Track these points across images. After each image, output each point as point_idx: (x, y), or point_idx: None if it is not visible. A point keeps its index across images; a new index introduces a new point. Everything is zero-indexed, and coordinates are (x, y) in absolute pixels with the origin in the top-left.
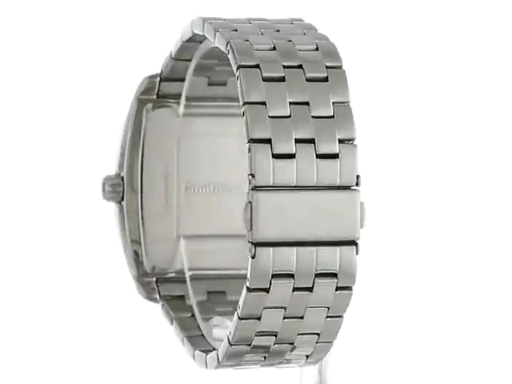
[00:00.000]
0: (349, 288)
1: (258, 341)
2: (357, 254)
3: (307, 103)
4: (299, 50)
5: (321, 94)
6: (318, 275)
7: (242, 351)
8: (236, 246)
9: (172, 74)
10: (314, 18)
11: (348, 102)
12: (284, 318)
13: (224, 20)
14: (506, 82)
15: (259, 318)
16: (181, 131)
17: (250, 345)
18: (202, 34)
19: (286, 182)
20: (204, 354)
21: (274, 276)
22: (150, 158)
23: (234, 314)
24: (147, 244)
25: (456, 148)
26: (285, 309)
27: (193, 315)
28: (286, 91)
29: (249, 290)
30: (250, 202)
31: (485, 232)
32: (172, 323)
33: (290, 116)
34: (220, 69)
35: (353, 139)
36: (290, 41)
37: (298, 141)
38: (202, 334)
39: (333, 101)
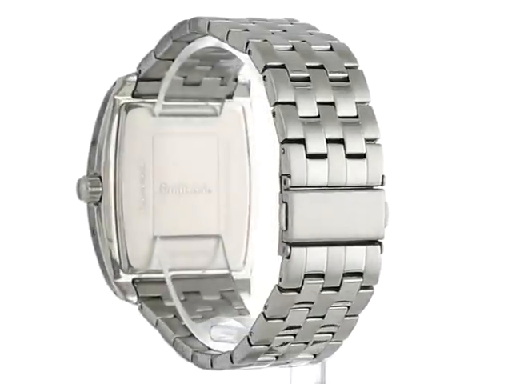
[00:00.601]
0: (371, 287)
1: (277, 341)
2: (381, 253)
3: (333, 103)
4: (316, 51)
5: (344, 94)
6: (345, 275)
7: (260, 352)
8: (208, 246)
9: (151, 74)
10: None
11: (369, 102)
12: (306, 318)
13: (228, 19)
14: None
15: (284, 319)
16: (156, 131)
17: (269, 345)
18: (205, 33)
19: (319, 182)
20: (209, 356)
21: (306, 276)
22: (127, 158)
23: (214, 314)
24: (124, 244)
25: (455, 147)
26: (309, 309)
27: (175, 316)
28: (313, 91)
29: (281, 290)
30: (286, 202)
31: (486, 233)
32: (156, 325)
33: (318, 116)
34: (200, 68)
35: (377, 139)
36: (304, 41)
37: (328, 141)
38: (192, 335)
39: (355, 101)
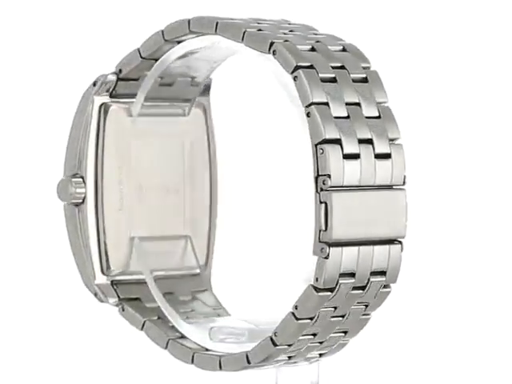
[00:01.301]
0: (389, 286)
1: (299, 341)
2: (401, 251)
3: (359, 104)
4: (333, 51)
5: (366, 94)
6: (372, 273)
7: (281, 352)
8: (179, 247)
9: (132, 74)
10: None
11: (387, 102)
12: (330, 318)
13: (233, 19)
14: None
15: (312, 319)
16: (133, 132)
17: (290, 345)
18: (210, 33)
19: (353, 182)
20: (216, 357)
21: (341, 275)
22: (107, 158)
23: (194, 315)
24: (104, 246)
25: (455, 146)
26: (335, 308)
27: (159, 317)
28: (340, 92)
29: (317, 290)
30: (325, 203)
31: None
32: (143, 327)
33: (348, 117)
34: (179, 70)
35: (398, 138)
36: (318, 41)
37: (359, 141)
38: (183, 336)
39: (376, 101)
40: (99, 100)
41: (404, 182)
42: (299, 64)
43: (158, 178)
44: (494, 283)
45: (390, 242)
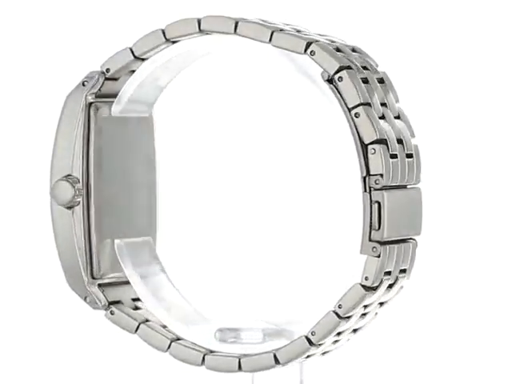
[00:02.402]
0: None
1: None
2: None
3: (385, 104)
4: (351, 52)
5: (388, 95)
6: (400, 271)
7: (314, 349)
8: (143, 246)
9: (119, 73)
10: None
11: (398, 102)
12: (360, 316)
13: (246, 19)
14: None
15: (349, 318)
16: (112, 132)
17: (320, 345)
18: (227, 32)
19: (397, 181)
20: (233, 358)
21: (385, 274)
22: (96, 160)
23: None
24: (95, 249)
25: (455, 145)
26: (365, 307)
27: (147, 320)
28: (373, 92)
29: (366, 288)
30: (378, 202)
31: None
32: (137, 330)
33: (383, 117)
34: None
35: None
36: (333, 41)
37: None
38: (179, 338)
39: (394, 102)
40: (89, 100)
41: (419, 181)
42: (342, 65)
43: (127, 178)
44: (495, 283)
45: (411, 239)
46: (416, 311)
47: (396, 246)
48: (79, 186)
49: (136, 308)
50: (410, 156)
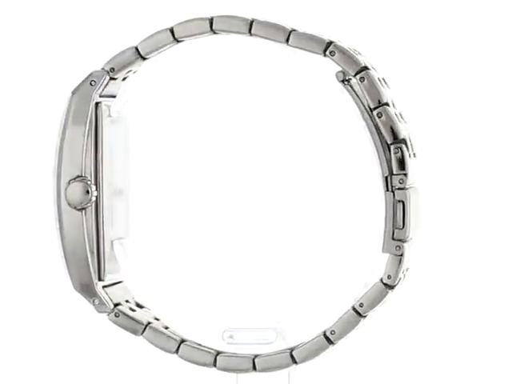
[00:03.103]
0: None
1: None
2: None
3: (393, 104)
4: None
5: (389, 93)
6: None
7: (332, 347)
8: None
9: (122, 73)
10: None
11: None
12: None
13: (257, 19)
14: None
15: (366, 316)
16: (111, 133)
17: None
18: (242, 32)
19: (415, 181)
20: (248, 358)
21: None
22: (106, 158)
23: None
24: (103, 250)
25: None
26: None
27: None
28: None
29: (389, 287)
30: (402, 201)
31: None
32: (143, 332)
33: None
34: None
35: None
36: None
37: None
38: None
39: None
40: (97, 99)
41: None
42: (364, 65)
43: (118, 180)
44: (494, 283)
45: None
46: (416, 311)
47: (411, 244)
48: (93, 187)
49: (137, 307)
50: (414, 156)
